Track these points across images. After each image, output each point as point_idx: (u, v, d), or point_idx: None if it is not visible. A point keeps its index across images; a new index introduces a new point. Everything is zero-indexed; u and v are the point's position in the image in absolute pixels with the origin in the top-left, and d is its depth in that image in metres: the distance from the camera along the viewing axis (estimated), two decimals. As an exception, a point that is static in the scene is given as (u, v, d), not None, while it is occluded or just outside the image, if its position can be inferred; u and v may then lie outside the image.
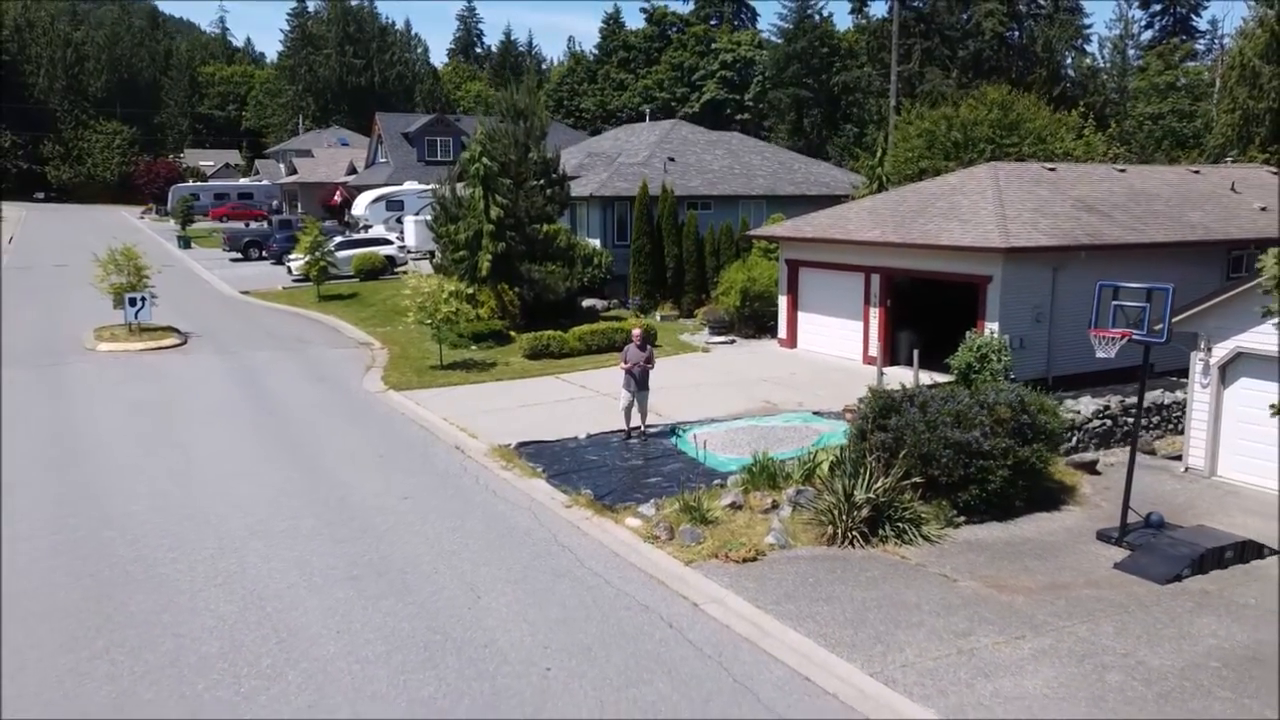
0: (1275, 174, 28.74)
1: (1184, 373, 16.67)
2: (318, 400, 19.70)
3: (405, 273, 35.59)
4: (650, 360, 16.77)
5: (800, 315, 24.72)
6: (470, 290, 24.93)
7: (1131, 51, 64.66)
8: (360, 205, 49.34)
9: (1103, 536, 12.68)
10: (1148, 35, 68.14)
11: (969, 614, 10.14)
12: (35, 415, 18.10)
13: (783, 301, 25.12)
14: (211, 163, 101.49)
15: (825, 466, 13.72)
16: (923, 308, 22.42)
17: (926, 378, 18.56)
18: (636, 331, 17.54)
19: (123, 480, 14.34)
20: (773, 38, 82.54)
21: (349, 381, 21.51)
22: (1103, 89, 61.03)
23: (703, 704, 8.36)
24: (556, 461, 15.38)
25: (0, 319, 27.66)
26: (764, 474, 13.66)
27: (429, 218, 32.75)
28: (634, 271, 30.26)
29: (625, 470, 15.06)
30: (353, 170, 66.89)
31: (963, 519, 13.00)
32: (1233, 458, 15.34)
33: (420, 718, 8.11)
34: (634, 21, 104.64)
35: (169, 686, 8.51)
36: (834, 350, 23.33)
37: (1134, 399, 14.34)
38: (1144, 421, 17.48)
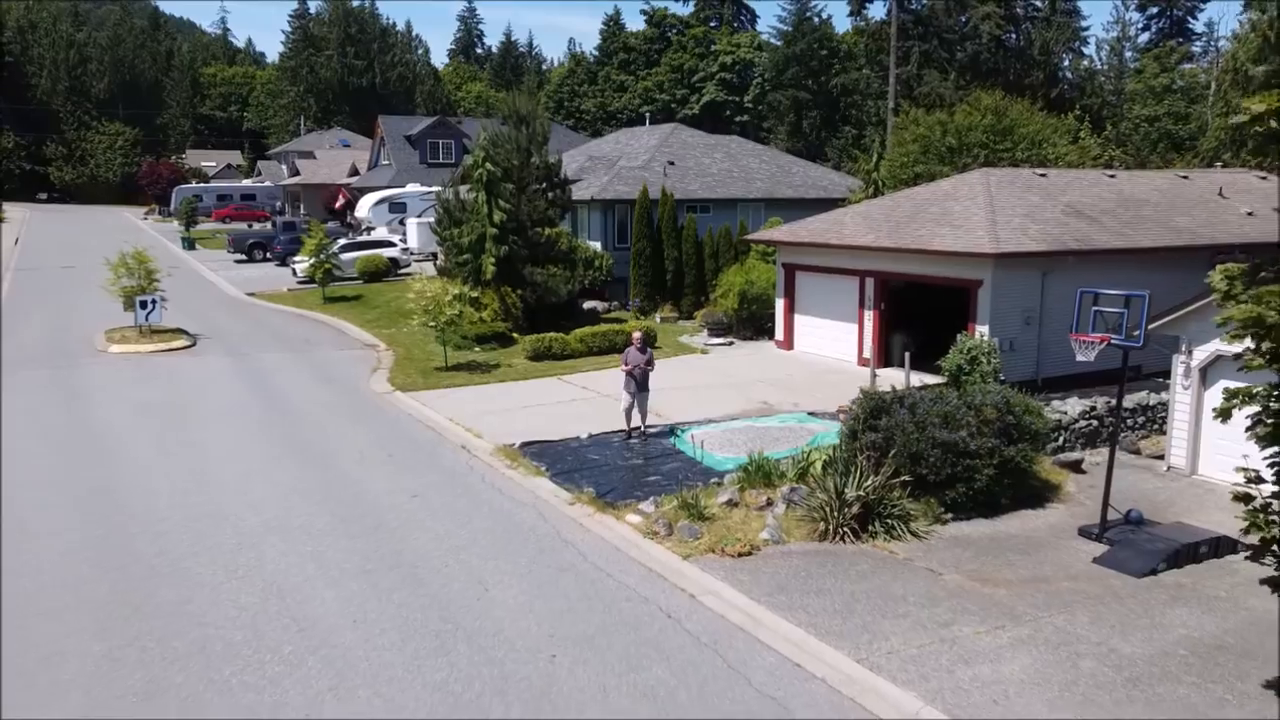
0: (1264, 178, 29.27)
1: (1169, 375, 17.20)
2: (326, 401, 20.24)
3: (409, 275, 36.10)
4: (650, 363, 17.31)
5: (797, 318, 25.27)
6: (474, 293, 25.48)
7: (1129, 53, 65.24)
8: (363, 207, 49.88)
9: (1084, 533, 13.21)
10: (1145, 37, 68.73)
11: (952, 605, 10.68)
12: (53, 416, 18.66)
13: (780, 304, 25.67)
14: (213, 163, 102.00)
15: (818, 465, 14.28)
16: (916, 311, 22.97)
17: (918, 379, 19.11)
18: (637, 335, 18.08)
19: (142, 479, 14.89)
20: (772, 40, 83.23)
21: (356, 383, 22.05)
22: (1100, 91, 61.59)
23: (699, 688, 8.90)
24: (559, 460, 15.92)
25: (0, 320, 28.20)
26: (759, 473, 14.21)
27: (431, 220, 33.35)
28: (634, 274, 30.81)
29: (626, 469, 15.61)
30: (355, 172, 67.43)
31: (950, 516, 13.52)
32: (1213, 457, 15.85)
33: (435, 699, 8.65)
34: (634, 23, 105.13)
35: (198, 671, 9.05)
36: (830, 352, 23.88)
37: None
38: (1130, 422, 18.04)
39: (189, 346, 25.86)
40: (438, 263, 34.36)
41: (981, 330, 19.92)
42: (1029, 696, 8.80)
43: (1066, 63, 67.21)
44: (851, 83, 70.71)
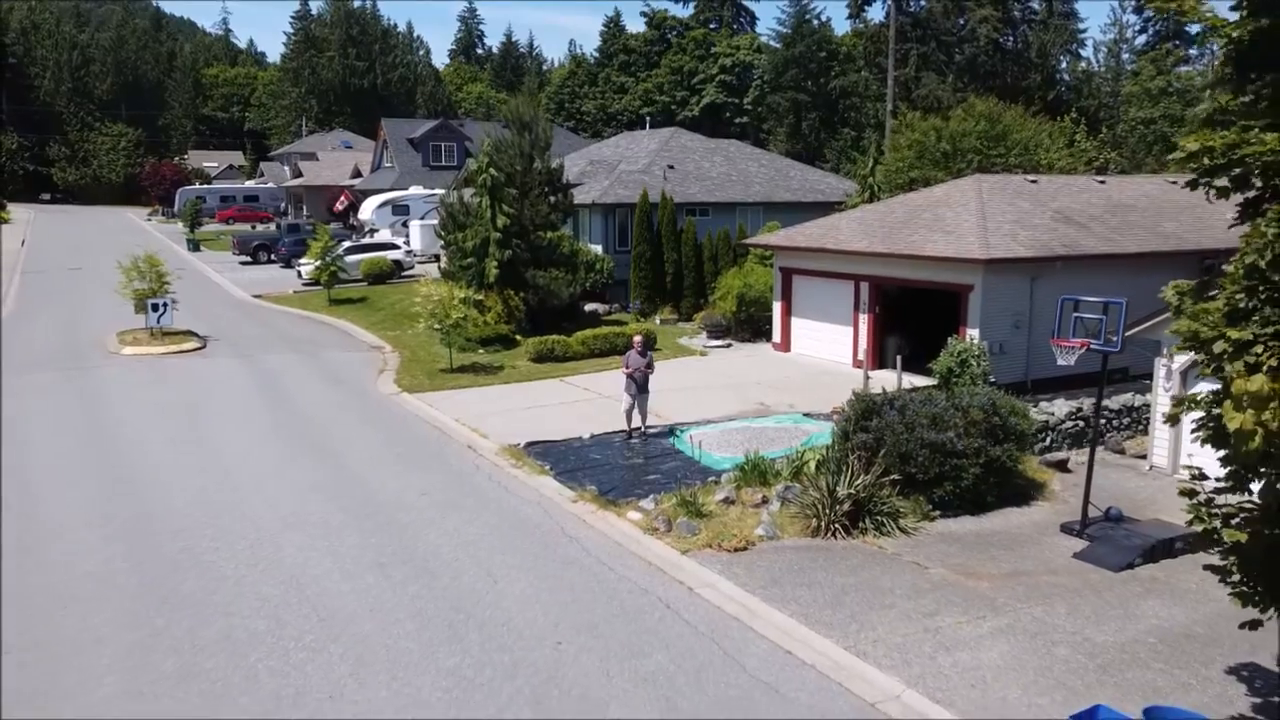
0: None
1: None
2: (335, 402, 20.83)
3: (413, 277, 36.67)
4: (650, 366, 17.90)
5: (794, 320, 25.86)
6: (478, 296, 26.06)
7: (1126, 56, 65.84)
8: (367, 210, 50.44)
9: (1065, 529, 13.80)
10: (1142, 40, 69.32)
11: (937, 597, 11.28)
12: (71, 417, 19.25)
13: (777, 307, 26.25)
14: (215, 164, 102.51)
15: (812, 465, 14.87)
16: (909, 314, 23.57)
17: (910, 381, 19.70)
18: (637, 339, 18.67)
19: (161, 476, 15.48)
20: (771, 42, 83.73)
21: (363, 384, 22.64)
22: (1096, 93, 62.18)
23: (696, 673, 9.50)
24: (563, 460, 16.51)
25: (0, 322, 28.79)
26: (755, 472, 14.82)
27: (435, 222, 33.92)
28: (634, 277, 31.39)
29: (626, 468, 16.20)
30: (357, 174, 67.93)
31: (938, 513, 14.10)
32: (1193, 457, 16.43)
33: (449, 683, 9.25)
34: (634, 25, 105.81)
35: (226, 658, 9.65)
36: (826, 354, 24.46)
37: (1106, 403, 15.44)
38: (1115, 422, 18.62)
39: (200, 348, 26.44)
40: (441, 265, 34.93)
41: (972, 334, 20.51)
42: (1005, 680, 9.40)
43: (1064, 65, 67.86)
44: (850, 85, 71.30)
